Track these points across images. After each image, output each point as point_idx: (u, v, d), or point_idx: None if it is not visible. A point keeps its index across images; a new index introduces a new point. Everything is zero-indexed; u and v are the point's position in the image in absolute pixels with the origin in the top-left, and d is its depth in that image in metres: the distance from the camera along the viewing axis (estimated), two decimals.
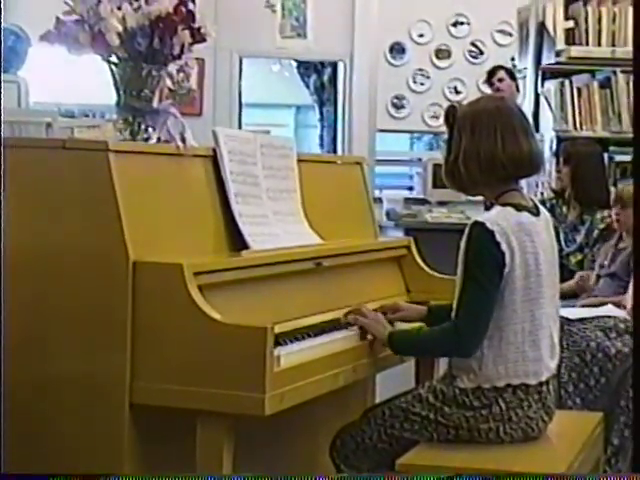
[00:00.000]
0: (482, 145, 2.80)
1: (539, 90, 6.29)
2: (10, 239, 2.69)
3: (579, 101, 6.11)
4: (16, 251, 2.69)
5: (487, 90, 7.35)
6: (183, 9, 2.93)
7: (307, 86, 10.84)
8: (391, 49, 8.78)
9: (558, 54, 6.12)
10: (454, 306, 2.76)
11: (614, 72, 6.06)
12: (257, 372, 2.45)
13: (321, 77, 10.58)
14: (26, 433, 2.68)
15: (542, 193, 6.03)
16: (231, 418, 2.52)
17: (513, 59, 7.24)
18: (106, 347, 2.59)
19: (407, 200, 8.26)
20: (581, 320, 4.25)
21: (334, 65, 9.48)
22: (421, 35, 8.80)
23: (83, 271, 2.62)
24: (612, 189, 5.28)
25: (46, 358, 2.66)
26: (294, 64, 11.10)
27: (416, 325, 3.08)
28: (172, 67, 3.01)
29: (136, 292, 2.57)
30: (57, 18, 2.92)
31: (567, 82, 6.13)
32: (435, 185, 7.91)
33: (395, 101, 8.83)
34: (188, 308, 2.51)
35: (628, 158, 5.67)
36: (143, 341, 2.56)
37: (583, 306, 4.52)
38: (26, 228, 2.69)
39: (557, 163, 5.63)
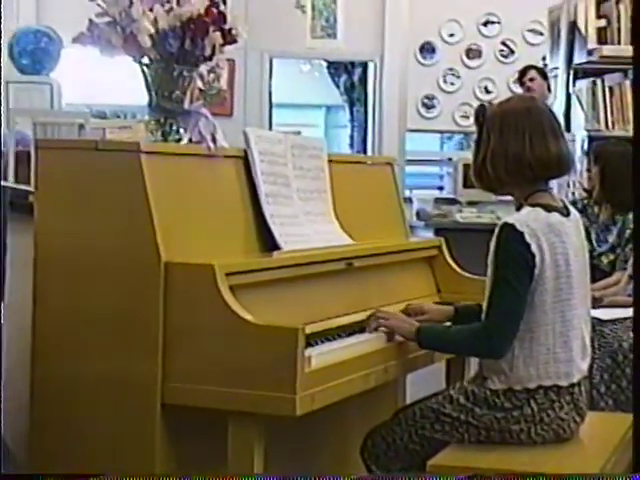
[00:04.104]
0: (510, 146, 2.79)
1: (571, 89, 6.25)
2: (43, 240, 2.72)
3: (611, 100, 6.06)
4: (49, 252, 2.71)
5: (518, 90, 7.32)
6: (214, 10, 2.94)
7: (337, 86, 10.86)
8: (421, 49, 8.75)
9: (590, 53, 6.07)
10: (484, 307, 2.76)
11: None
12: (288, 373, 2.46)
13: (351, 77, 10.60)
14: (59, 433, 2.70)
15: (573, 193, 5.99)
16: (262, 418, 2.53)
17: (544, 58, 7.20)
18: (138, 347, 2.60)
19: (437, 200, 8.23)
20: (613, 321, 4.21)
21: (364, 65, 9.49)
22: (451, 34, 8.76)
23: (115, 272, 2.64)
24: None
25: (78, 359, 2.68)
26: (324, 64, 11.12)
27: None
28: (203, 68, 3.03)
29: (168, 293, 2.58)
30: (90, 20, 2.95)
31: (599, 81, 6.09)
32: (465, 185, 7.88)
33: (425, 101, 8.80)
34: (220, 309, 2.52)
35: None
36: (175, 342, 2.57)
37: (615, 306, 4.48)
38: (58, 229, 2.71)
39: (588, 163, 5.60)
